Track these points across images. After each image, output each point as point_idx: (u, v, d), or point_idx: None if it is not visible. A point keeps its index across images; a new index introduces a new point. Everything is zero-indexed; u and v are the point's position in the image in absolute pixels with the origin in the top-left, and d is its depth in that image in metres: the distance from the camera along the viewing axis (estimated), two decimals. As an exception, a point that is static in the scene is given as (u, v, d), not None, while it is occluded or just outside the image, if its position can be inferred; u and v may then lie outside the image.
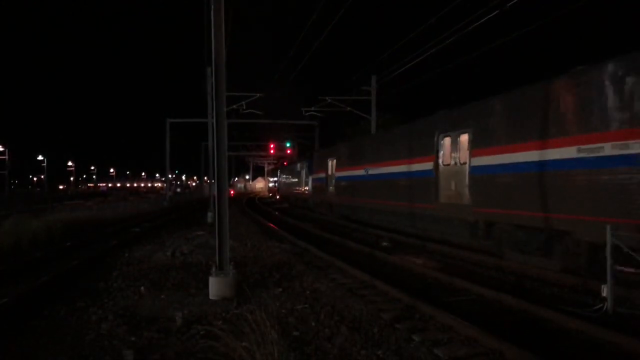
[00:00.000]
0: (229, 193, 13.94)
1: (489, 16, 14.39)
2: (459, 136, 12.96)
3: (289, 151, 49.15)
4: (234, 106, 31.51)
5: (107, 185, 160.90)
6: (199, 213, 28.10)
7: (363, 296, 8.29)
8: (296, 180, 37.34)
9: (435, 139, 14.02)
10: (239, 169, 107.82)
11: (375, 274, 9.75)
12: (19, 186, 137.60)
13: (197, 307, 7.53)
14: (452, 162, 13.38)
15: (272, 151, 51.64)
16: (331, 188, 24.94)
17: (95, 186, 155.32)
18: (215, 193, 8.77)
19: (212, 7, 8.53)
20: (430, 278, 9.89)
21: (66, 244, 14.80)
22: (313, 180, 29.67)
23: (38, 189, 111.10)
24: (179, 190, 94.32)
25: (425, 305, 7.34)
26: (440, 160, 13.92)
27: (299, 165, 37.10)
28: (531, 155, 10.10)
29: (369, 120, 29.04)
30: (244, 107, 32.76)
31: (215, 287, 8.11)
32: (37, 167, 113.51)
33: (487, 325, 6.32)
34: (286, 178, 44.94)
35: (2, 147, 75.42)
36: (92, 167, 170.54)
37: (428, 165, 14.41)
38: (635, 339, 5.70)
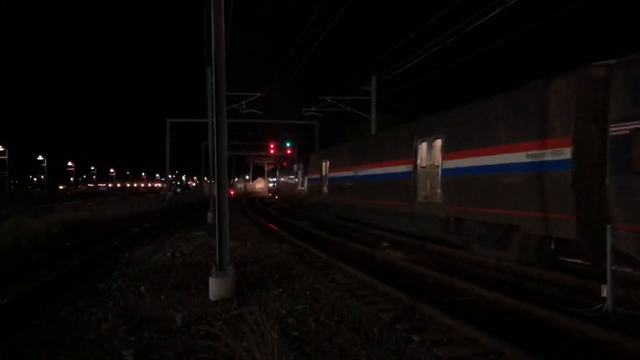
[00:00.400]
0: (229, 193, 13.94)
1: (489, 16, 14.41)
2: (434, 141, 14.15)
3: (289, 151, 49.19)
4: (234, 106, 31.54)
5: (107, 186, 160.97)
6: (199, 213, 28.12)
7: (363, 296, 8.29)
8: (293, 180, 38.45)
9: (414, 143, 15.17)
10: (239, 169, 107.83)
11: (375, 274, 9.74)
12: (19, 186, 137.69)
13: (197, 308, 7.53)
14: (428, 165, 14.61)
15: (272, 151, 51.68)
16: (325, 188, 25.91)
17: (95, 186, 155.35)
18: (215, 193, 8.77)
19: (212, 7, 8.53)
20: (431, 278, 9.88)
21: (66, 244, 14.81)
22: (309, 180, 30.70)
23: (38, 189, 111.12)
24: (179, 190, 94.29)
25: (425, 305, 7.34)
26: (418, 163, 15.08)
27: (295, 166, 38.18)
28: (489, 160, 11.38)
29: (369, 120, 29.06)
30: (244, 107, 32.77)
31: (215, 287, 8.11)
32: (37, 167, 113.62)
33: (487, 326, 6.32)
34: (284, 179, 46.04)
35: (2, 147, 75.41)
36: (92, 167, 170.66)
37: (408, 167, 15.55)
38: (635, 339, 5.70)
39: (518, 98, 10.84)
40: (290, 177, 40.59)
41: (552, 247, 10.07)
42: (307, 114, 33.84)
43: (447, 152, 13.31)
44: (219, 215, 8.52)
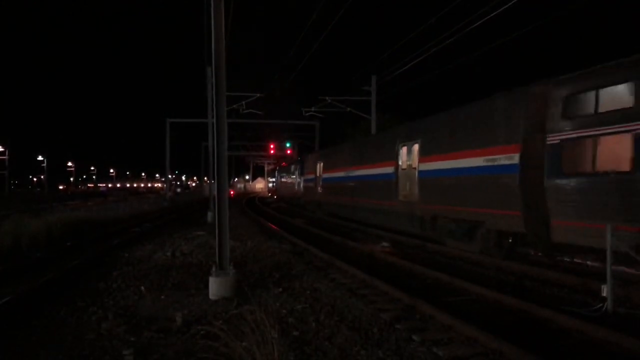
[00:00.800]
0: (229, 193, 13.96)
1: (489, 16, 14.41)
2: (413, 145, 15.52)
3: (289, 151, 49.19)
4: (234, 106, 31.54)
5: (106, 186, 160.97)
6: (199, 213, 28.11)
7: (363, 296, 8.29)
8: (291, 181, 39.87)
9: (396, 147, 16.55)
10: (239, 169, 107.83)
11: (376, 274, 9.75)
12: (19, 186, 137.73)
13: (197, 307, 7.53)
14: (407, 167, 15.98)
15: (272, 151, 51.67)
16: (319, 188, 27.37)
17: (95, 186, 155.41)
18: (215, 193, 8.77)
19: (212, 7, 8.53)
20: (431, 278, 9.89)
21: (66, 244, 14.80)
22: (304, 180, 32.14)
23: (38, 189, 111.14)
24: (179, 190, 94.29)
25: (425, 305, 7.34)
26: (399, 165, 16.43)
27: (292, 167, 39.63)
28: (456, 163, 12.78)
29: (369, 120, 29.06)
30: (244, 107, 32.77)
31: (215, 287, 8.11)
32: (37, 167, 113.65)
33: (488, 325, 6.32)
34: (282, 179, 47.43)
35: (2, 147, 75.41)
36: (92, 167, 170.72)
37: (391, 169, 16.91)
38: (635, 339, 5.70)
39: (478, 109, 12.47)
40: (288, 177, 41.97)
41: (510, 240, 11.40)
42: (307, 114, 33.84)
43: (422, 155, 14.70)
44: (219, 215, 8.52)
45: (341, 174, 22.92)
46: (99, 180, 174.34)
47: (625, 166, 8.28)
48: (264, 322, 5.03)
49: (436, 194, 13.80)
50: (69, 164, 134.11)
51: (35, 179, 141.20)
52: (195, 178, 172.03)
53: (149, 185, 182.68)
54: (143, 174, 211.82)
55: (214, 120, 8.63)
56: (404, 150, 16.22)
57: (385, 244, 15.06)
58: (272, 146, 50.66)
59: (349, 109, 30.40)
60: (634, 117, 8.09)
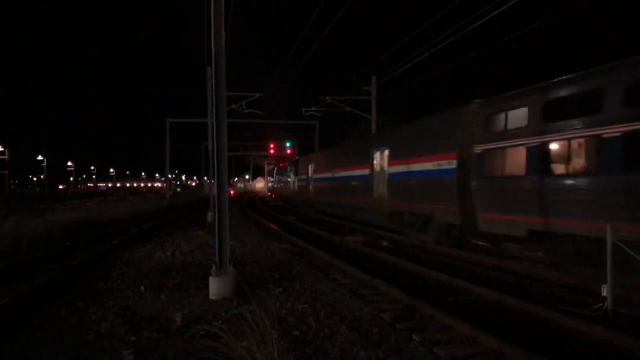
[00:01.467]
0: (229, 193, 13.98)
1: (489, 16, 14.40)
2: (384, 151, 17.79)
3: (288, 151, 49.15)
4: (234, 106, 31.49)
5: (106, 185, 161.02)
6: (199, 213, 28.11)
7: (363, 296, 8.30)
8: (286, 181, 42.38)
9: (371, 152, 18.91)
10: (239, 169, 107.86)
11: (377, 274, 9.75)
12: (19, 186, 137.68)
13: (197, 307, 7.53)
14: (379, 169, 18.15)
15: (272, 151, 51.62)
16: (311, 188, 29.93)
17: (95, 186, 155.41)
18: (215, 193, 8.77)
19: (212, 7, 8.53)
20: (431, 278, 9.89)
21: (66, 244, 14.79)
22: (298, 180, 34.75)
23: (38, 189, 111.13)
24: (179, 190, 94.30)
25: (425, 305, 7.34)
26: (373, 168, 18.67)
27: (288, 168, 42.18)
28: (414, 167, 15.27)
29: (369, 120, 29.06)
30: (244, 107, 32.73)
31: (215, 287, 8.11)
32: (37, 167, 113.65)
33: (488, 325, 6.32)
34: (279, 179, 50.52)
35: (2, 147, 75.41)
36: (92, 167, 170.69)
37: (367, 171, 19.22)
38: (635, 339, 5.71)
39: (430, 122, 15.15)
40: (285, 177, 44.57)
41: (457, 231, 13.41)
42: (307, 114, 33.82)
43: (391, 160, 17.17)
44: (219, 215, 8.51)
45: (328, 175, 25.47)
46: (99, 180, 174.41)
47: (522, 171, 10.55)
48: (263, 322, 5.03)
49: (401, 193, 16.22)
50: (69, 164, 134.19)
51: (35, 179, 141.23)
52: (195, 178, 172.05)
53: (149, 185, 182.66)
54: (143, 174, 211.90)
55: (214, 120, 8.63)
56: (377, 155, 18.48)
57: (385, 243, 15.29)
58: (272, 146, 50.62)
59: (349, 108, 30.40)
60: (527, 134, 10.45)
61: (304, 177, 31.93)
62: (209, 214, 22.94)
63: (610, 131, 8.50)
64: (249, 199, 57.82)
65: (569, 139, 9.54)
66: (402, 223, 16.27)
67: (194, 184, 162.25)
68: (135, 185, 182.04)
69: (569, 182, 9.50)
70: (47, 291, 8.52)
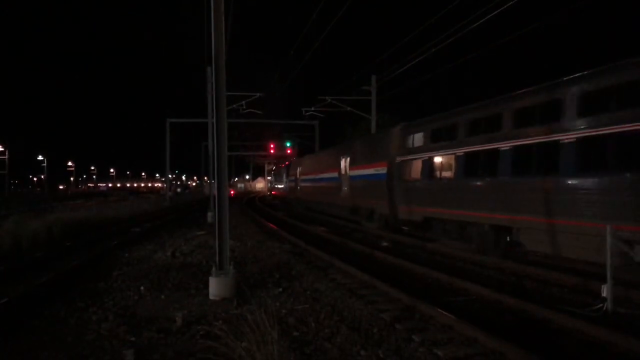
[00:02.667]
0: (229, 193, 14.00)
1: (489, 16, 14.40)
2: (347, 158, 22.34)
3: (289, 151, 49.14)
4: (234, 106, 31.49)
5: (107, 185, 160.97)
6: (199, 213, 28.12)
7: (363, 296, 8.30)
8: (281, 182, 47.02)
9: (339, 159, 23.26)
10: (239, 169, 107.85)
11: (377, 274, 9.75)
12: (19, 186, 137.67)
13: (197, 307, 7.53)
14: (345, 173, 22.41)
15: (272, 151, 51.61)
16: (298, 188, 34.12)
17: (96, 186, 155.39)
18: (215, 193, 8.77)
19: (212, 8, 8.53)
20: (431, 278, 9.89)
21: (66, 244, 14.80)
22: (289, 181, 39.07)
23: (38, 189, 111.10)
24: (179, 190, 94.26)
25: (425, 305, 7.34)
26: (341, 172, 22.91)
27: (282, 170, 47.28)
28: (363, 172, 19.73)
29: (369, 120, 29.05)
30: (244, 107, 32.73)
31: (215, 287, 8.11)
32: (37, 167, 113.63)
33: (488, 326, 6.32)
34: (276, 180, 55.90)
35: (2, 147, 75.38)
36: (92, 167, 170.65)
37: (336, 174, 23.59)
38: (635, 339, 5.70)
39: (374, 137, 21.54)
40: (280, 178, 49.48)
41: (394, 221, 17.12)
42: (307, 114, 33.82)
43: (351, 165, 21.73)
44: (219, 215, 8.52)
45: (312, 176, 29.60)
46: (99, 180, 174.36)
47: (419, 176, 15.12)
48: (263, 322, 5.03)
49: (358, 192, 20.72)
50: (69, 163, 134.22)
51: (35, 179, 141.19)
52: (195, 178, 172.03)
53: (149, 185, 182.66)
54: (143, 174, 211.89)
55: (214, 120, 8.63)
56: (343, 161, 22.76)
57: (385, 243, 15.26)
58: (272, 146, 50.61)
59: (349, 108, 30.39)
60: (424, 150, 14.96)
61: (293, 178, 36.41)
62: (209, 214, 22.95)
63: (460, 152, 13.04)
64: (249, 199, 57.83)
65: (442, 155, 14.02)
66: (359, 215, 20.76)
67: (194, 184, 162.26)
68: (135, 185, 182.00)
69: (442, 183, 13.91)
70: (47, 291, 8.52)
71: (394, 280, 9.26)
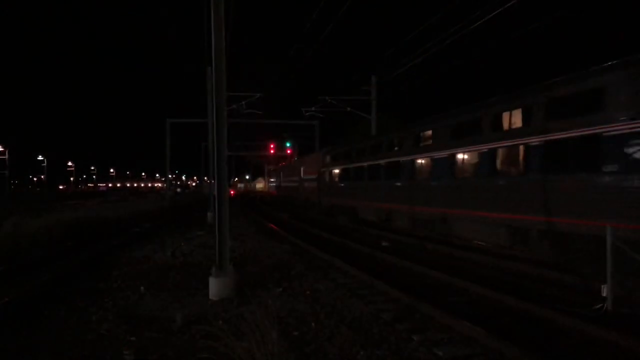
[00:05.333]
0: (229, 193, 14.01)
1: (490, 16, 14.41)
2: (302, 168, 33.45)
3: (289, 151, 49.18)
4: (234, 106, 31.50)
5: (107, 185, 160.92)
6: (199, 213, 28.13)
7: (362, 296, 8.30)
8: (275, 182, 55.88)
9: (300, 168, 33.81)
10: (239, 169, 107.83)
11: (377, 274, 9.75)
12: (19, 186, 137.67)
13: (197, 307, 7.53)
14: (301, 177, 33.67)
15: (272, 151, 51.64)
16: (281, 187, 45.71)
17: (96, 186, 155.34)
18: (215, 193, 8.77)
19: (212, 8, 8.53)
20: (431, 278, 9.89)
21: (66, 244, 14.80)
22: (277, 182, 50.78)
23: (38, 189, 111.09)
24: (179, 190, 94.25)
25: (425, 305, 7.33)
26: (300, 176, 33.57)
27: (274, 173, 59.18)
28: (308, 177, 31.39)
29: (369, 120, 29.05)
30: (244, 107, 32.75)
31: (215, 287, 8.11)
32: (37, 167, 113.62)
33: (488, 326, 6.32)
34: (272, 180, 64.28)
35: (2, 147, 75.40)
36: (92, 167, 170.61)
37: (298, 178, 35.09)
38: (635, 339, 5.70)
39: (312, 155, 33.68)
40: (274, 179, 58.72)
41: (320, 209, 27.35)
42: (307, 114, 33.84)
43: (304, 173, 32.69)
44: (219, 215, 8.52)
45: (287, 179, 42.31)
46: (99, 180, 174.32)
47: (329, 181, 25.72)
48: (263, 322, 5.03)
49: (307, 190, 31.47)
50: (69, 164, 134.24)
51: (35, 179, 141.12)
52: (195, 178, 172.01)
53: (149, 185, 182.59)
54: (143, 174, 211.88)
55: (214, 120, 8.64)
56: (301, 170, 34.13)
57: (385, 243, 15.32)
58: (272, 146, 50.66)
59: (349, 108, 30.40)
60: (330, 166, 25.77)
61: (278, 180, 49.58)
62: (209, 214, 22.94)
63: (348, 167, 22.91)
64: (249, 199, 57.94)
65: (338, 169, 24.46)
66: (310, 207, 30.31)
67: (194, 184, 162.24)
68: (135, 185, 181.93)
69: (339, 185, 24.16)
70: (47, 291, 8.52)
71: (394, 280, 9.26)
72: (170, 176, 54.93)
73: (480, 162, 12.45)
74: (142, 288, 8.84)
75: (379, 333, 6.31)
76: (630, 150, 8.33)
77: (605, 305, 7.12)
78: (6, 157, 75.63)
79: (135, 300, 8.11)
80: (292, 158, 47.94)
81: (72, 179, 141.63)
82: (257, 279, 9.61)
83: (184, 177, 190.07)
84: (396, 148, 17.55)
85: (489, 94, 12.15)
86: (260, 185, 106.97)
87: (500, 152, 11.71)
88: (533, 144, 10.39)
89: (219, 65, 8.54)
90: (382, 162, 18.59)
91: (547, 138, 9.99)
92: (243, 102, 32.31)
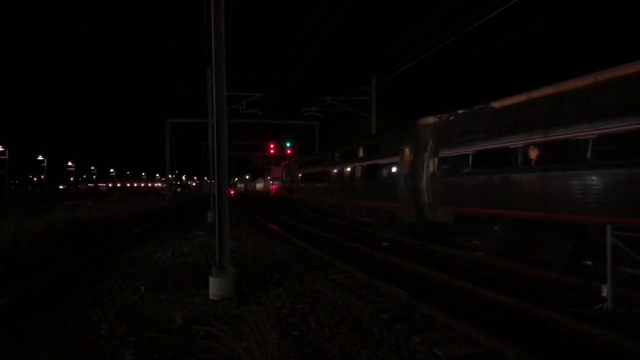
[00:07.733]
0: (229, 193, 14.01)
1: (490, 16, 14.42)
2: (284, 172, 44.75)
3: (289, 151, 49.18)
4: (234, 106, 31.48)
5: (107, 185, 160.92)
6: (199, 213, 28.12)
7: (363, 296, 8.31)
8: (272, 182, 61.97)
9: (283, 172, 44.31)
10: (239, 169, 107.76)
11: (377, 274, 9.76)
12: (19, 186, 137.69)
13: (197, 307, 7.53)
14: (285, 179, 44.15)
15: (272, 151, 51.64)
16: (273, 187, 54.73)
17: (96, 186, 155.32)
18: (215, 193, 8.77)
19: (212, 7, 8.53)
20: (431, 278, 9.89)
21: (66, 244, 14.80)
22: (273, 183, 57.58)
23: (38, 189, 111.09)
24: (179, 190, 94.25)
25: (425, 305, 7.33)
26: (283, 178, 44.59)
27: (270, 175, 66.08)
28: (288, 180, 41.42)
29: (369, 120, 29.04)
30: (244, 107, 32.74)
31: (215, 287, 8.11)
32: (37, 167, 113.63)
33: (488, 325, 6.32)
34: (269, 181, 70.54)
35: (2, 147, 75.41)
36: (92, 167, 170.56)
37: (281, 180, 46.75)
38: (635, 339, 5.70)
39: (289, 164, 43.28)
40: (273, 179, 64.68)
41: (293, 203, 37.45)
42: (307, 114, 33.82)
43: (285, 176, 43.41)
44: (219, 215, 8.52)
45: (277, 181, 50.67)
46: (99, 180, 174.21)
47: (299, 182, 35.18)
48: (263, 322, 5.03)
49: (287, 189, 40.65)
50: (69, 164, 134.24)
51: (35, 179, 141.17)
52: (195, 178, 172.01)
53: (149, 185, 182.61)
54: (143, 174, 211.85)
55: (214, 120, 8.63)
56: (284, 173, 42.66)
57: (385, 243, 15.31)
58: (272, 146, 50.65)
59: (349, 108, 30.38)
60: (301, 171, 34.36)
61: (272, 181, 58.14)
62: (209, 214, 22.94)
63: (303, 173, 34.31)
64: (250, 199, 58.08)
65: (301, 173, 34.49)
66: (288, 202, 38.38)
67: (194, 184, 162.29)
68: (135, 185, 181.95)
69: (302, 185, 34.16)
70: (47, 291, 8.53)
71: (394, 280, 9.27)
72: (170, 176, 54.95)
73: (351, 173, 22.25)
74: (142, 288, 8.84)
75: (379, 333, 6.31)
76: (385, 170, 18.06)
77: (605, 305, 7.12)
78: (6, 157, 75.66)
79: (135, 300, 8.11)
80: (292, 158, 48.02)
81: (72, 179, 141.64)
82: (257, 278, 9.62)
83: (184, 177, 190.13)
84: (323, 162, 28.00)
85: (489, 94, 12.23)
86: (260, 185, 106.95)
87: (357, 168, 21.26)
88: (364, 165, 20.28)
89: (219, 65, 8.54)
90: (317, 170, 28.98)
91: (367, 163, 19.95)
92: (243, 102, 32.29)
